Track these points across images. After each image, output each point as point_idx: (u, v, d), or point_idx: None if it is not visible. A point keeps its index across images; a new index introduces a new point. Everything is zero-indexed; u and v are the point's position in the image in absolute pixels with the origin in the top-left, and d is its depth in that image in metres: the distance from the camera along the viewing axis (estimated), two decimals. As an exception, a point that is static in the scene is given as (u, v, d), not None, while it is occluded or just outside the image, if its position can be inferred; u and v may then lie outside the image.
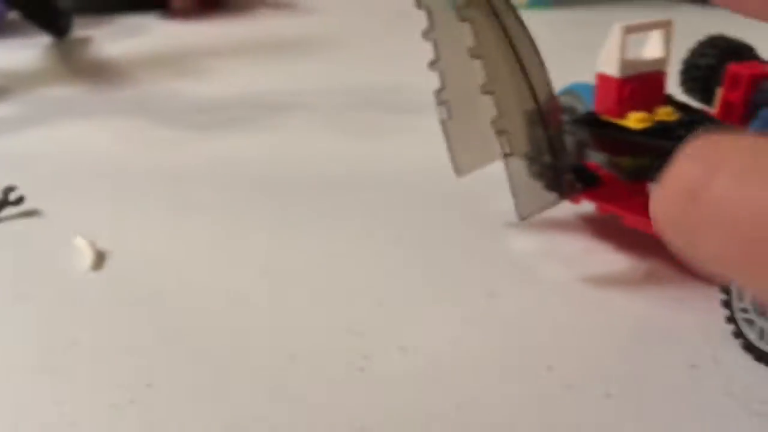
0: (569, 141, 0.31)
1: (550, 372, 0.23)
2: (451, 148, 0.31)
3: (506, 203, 0.29)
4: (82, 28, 0.67)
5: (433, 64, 0.29)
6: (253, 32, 0.68)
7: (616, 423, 0.21)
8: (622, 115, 0.30)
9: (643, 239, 0.28)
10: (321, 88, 0.52)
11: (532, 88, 0.27)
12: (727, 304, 0.24)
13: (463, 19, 0.26)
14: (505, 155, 0.27)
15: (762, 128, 0.29)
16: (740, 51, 0.34)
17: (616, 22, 0.29)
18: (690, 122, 0.29)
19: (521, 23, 0.27)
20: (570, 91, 0.34)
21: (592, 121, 0.30)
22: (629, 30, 0.29)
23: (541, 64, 0.28)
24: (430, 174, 0.37)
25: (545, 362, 0.23)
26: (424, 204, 0.35)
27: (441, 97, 0.30)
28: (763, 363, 0.23)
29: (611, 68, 0.29)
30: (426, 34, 0.28)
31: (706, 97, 0.34)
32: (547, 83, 0.28)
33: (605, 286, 0.28)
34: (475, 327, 0.25)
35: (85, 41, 0.64)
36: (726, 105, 0.32)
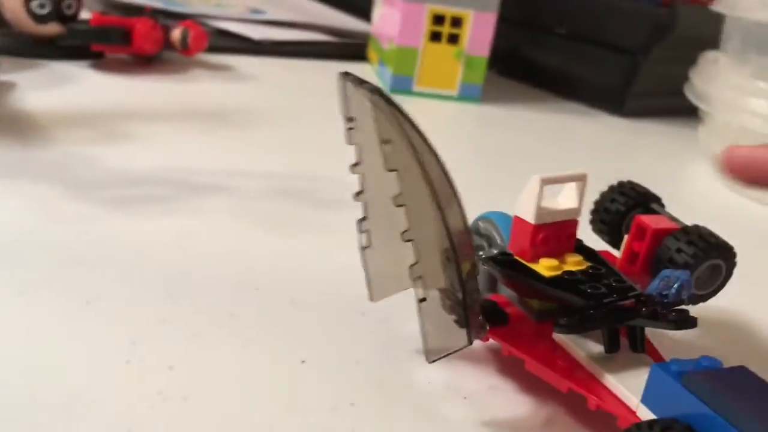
0: (482, 273, 0.32)
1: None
2: (367, 275, 0.31)
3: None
4: (8, 72, 0.65)
5: (358, 195, 0.29)
6: (185, 95, 0.67)
7: None
8: (534, 258, 0.31)
9: (544, 383, 0.29)
10: (243, 169, 0.51)
11: (447, 228, 0.28)
12: None
13: (390, 169, 0.26)
14: (420, 301, 0.27)
15: (659, 289, 0.30)
16: (647, 201, 0.36)
17: (535, 174, 0.30)
18: (596, 276, 0.30)
19: (439, 162, 0.27)
20: (487, 219, 0.35)
21: (505, 262, 0.31)
22: (546, 181, 0.30)
23: (457, 201, 0.28)
24: (345, 285, 0.37)
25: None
26: (333, 320, 0.34)
27: (362, 227, 0.30)
28: None
29: (527, 215, 0.30)
30: (354, 168, 0.28)
31: (614, 240, 0.36)
32: (463, 220, 0.29)
33: (500, 428, 0.28)
34: None
35: (8, 86, 0.62)
36: (630, 253, 0.34)
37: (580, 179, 0.31)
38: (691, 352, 0.36)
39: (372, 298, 0.31)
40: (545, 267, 0.30)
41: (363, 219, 0.30)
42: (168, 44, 0.74)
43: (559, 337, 0.30)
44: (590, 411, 0.27)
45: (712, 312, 0.39)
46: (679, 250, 0.32)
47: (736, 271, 0.33)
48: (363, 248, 0.30)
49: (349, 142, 0.27)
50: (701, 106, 0.67)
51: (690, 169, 0.70)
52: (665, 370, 0.25)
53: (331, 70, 0.88)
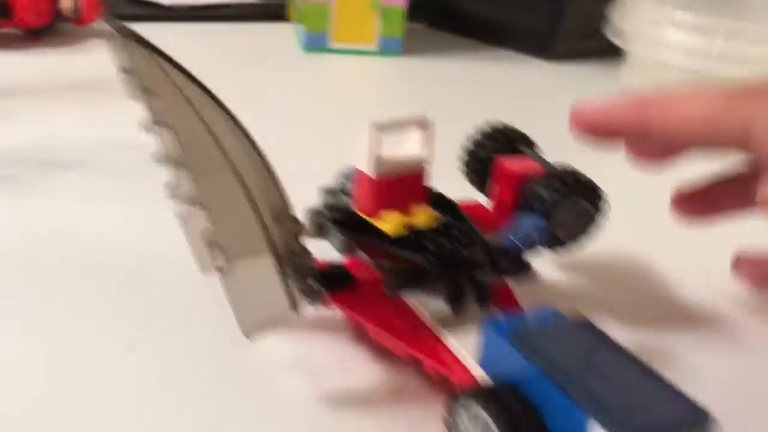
0: (336, 235, 0.29)
1: None
2: (192, 246, 0.28)
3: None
4: None
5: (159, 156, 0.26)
6: (73, 68, 0.63)
7: None
8: (378, 214, 0.28)
9: None
10: (119, 142, 0.48)
11: (249, 193, 0.24)
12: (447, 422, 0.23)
13: (159, 123, 0.23)
14: (218, 269, 0.24)
15: (522, 238, 0.28)
16: (519, 141, 0.33)
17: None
18: (444, 230, 0.27)
19: (231, 117, 0.24)
20: (349, 175, 0.32)
21: (348, 222, 0.28)
22: (381, 128, 0.27)
23: (263, 160, 0.25)
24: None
25: None
26: (171, 294, 0.31)
27: (174, 193, 0.27)
28: None
29: (366, 167, 0.27)
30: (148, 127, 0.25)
31: (486, 189, 0.33)
32: (273, 180, 0.26)
33: (343, 403, 0.26)
34: None
35: None
36: (499, 202, 0.31)
37: (423, 124, 0.28)
38: (568, 302, 0.33)
39: (203, 270, 0.28)
40: (389, 223, 0.27)
41: (174, 185, 0.27)
42: (60, 15, 0.69)
43: (411, 300, 0.28)
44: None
45: (598, 258, 0.37)
46: (539, 196, 0.29)
47: (645, 215, 0.31)
48: (182, 218, 0.27)
49: (131, 96, 0.24)
50: (619, 43, 0.64)
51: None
52: (495, 328, 0.22)
53: (247, 32, 0.84)
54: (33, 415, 0.24)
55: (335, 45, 0.77)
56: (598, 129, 0.29)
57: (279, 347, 0.28)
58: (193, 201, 0.23)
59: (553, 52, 0.82)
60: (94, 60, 0.67)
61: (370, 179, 0.27)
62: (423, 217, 0.28)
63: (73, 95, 0.57)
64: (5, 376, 0.26)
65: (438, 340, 0.26)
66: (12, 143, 0.46)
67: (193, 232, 0.28)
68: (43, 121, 0.51)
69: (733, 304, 0.34)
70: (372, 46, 0.77)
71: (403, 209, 0.28)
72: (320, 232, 0.29)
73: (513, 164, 0.30)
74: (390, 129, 0.27)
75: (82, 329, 0.29)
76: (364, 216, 0.28)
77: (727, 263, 0.34)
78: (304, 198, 0.29)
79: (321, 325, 0.30)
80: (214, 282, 0.30)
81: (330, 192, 0.31)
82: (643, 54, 0.62)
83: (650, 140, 0.30)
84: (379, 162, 0.27)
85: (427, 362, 0.25)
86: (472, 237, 0.27)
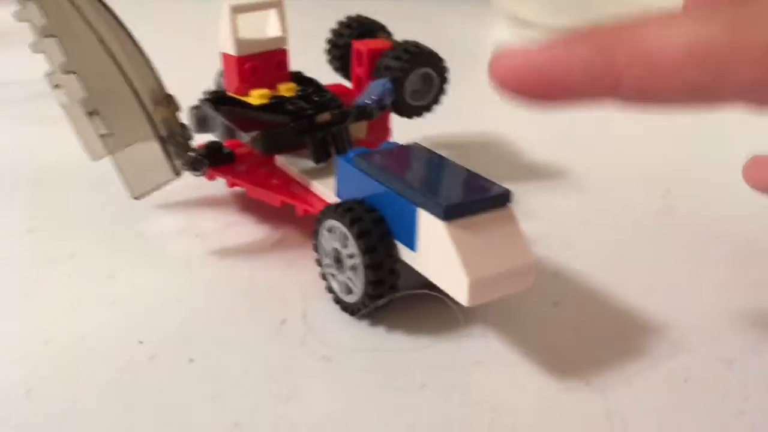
0: (216, 121, 0.32)
1: (139, 345, 0.23)
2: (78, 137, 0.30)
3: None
4: None
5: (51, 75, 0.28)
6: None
7: (198, 386, 0.22)
8: (245, 92, 0.31)
9: (285, 211, 0.29)
10: (6, 80, 0.49)
11: (131, 84, 0.27)
12: (319, 262, 0.26)
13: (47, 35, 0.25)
14: (101, 136, 0.27)
15: (375, 100, 0.31)
16: (373, 29, 0.36)
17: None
18: (304, 97, 0.30)
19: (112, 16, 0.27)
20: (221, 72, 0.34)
21: (216, 99, 0.31)
22: (239, 9, 0.30)
23: (141, 53, 0.28)
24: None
25: (137, 337, 0.24)
26: (67, 192, 0.34)
27: (52, 81, 0.29)
28: (348, 313, 0.25)
29: (229, 48, 0.30)
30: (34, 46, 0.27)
31: (348, 73, 0.36)
32: (150, 71, 0.28)
33: (229, 256, 0.29)
34: (77, 309, 0.25)
35: None
36: (357, 79, 0.34)
37: (276, 5, 0.31)
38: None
39: (92, 158, 0.30)
40: (256, 97, 0.30)
41: (51, 73, 0.28)
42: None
43: (280, 162, 0.31)
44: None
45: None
46: (387, 66, 0.33)
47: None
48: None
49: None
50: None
51: (486, 29, 0.71)
52: (344, 158, 0.26)
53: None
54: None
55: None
56: (531, 82, 0.18)
57: (168, 220, 0.31)
58: (65, 68, 0.25)
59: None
60: None
61: (234, 59, 0.30)
62: (286, 90, 0.31)
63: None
64: None
65: (307, 190, 0.29)
66: None
67: (78, 123, 0.29)
68: None
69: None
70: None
71: (269, 86, 0.31)
72: (203, 125, 0.32)
73: (365, 44, 0.34)
74: (246, 10, 0.30)
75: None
76: (234, 95, 0.31)
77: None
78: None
79: (208, 202, 0.33)
80: (105, 175, 0.32)
81: (208, 92, 0.33)
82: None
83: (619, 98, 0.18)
84: (240, 42, 0.30)
85: (298, 206, 0.28)
86: (330, 101, 0.30)
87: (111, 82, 0.26)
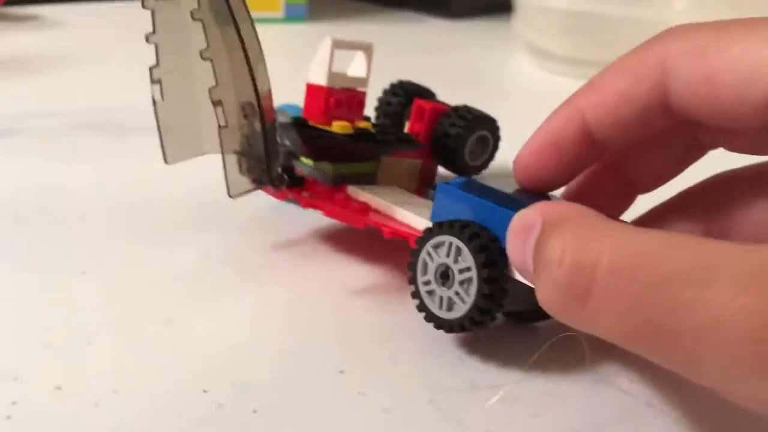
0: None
1: (204, 394, 0.24)
2: (161, 134, 0.31)
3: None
4: None
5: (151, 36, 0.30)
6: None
7: None
8: (327, 121, 0.33)
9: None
10: (43, 110, 0.50)
11: (254, 81, 0.29)
12: (412, 281, 0.27)
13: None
14: (220, 127, 0.28)
15: None
16: (424, 93, 0.39)
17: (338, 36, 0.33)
18: (387, 132, 0.33)
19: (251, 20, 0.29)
20: (281, 110, 0.35)
21: (300, 125, 0.33)
22: (337, 44, 0.33)
23: (263, 62, 0.30)
24: (137, 198, 0.37)
25: (201, 386, 0.24)
26: (118, 230, 0.34)
27: (154, 76, 0.30)
28: (445, 330, 0.26)
29: (320, 78, 0.33)
30: (150, 37, 0.29)
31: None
32: (267, 81, 0.30)
33: (288, 299, 0.30)
34: (140, 355, 0.26)
35: None
36: (413, 133, 0.36)
37: (368, 48, 0.34)
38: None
39: (166, 161, 0.31)
40: (338, 127, 0.32)
41: (155, 66, 0.30)
42: (-40, -1, 0.69)
43: (351, 190, 0.32)
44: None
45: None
46: (452, 125, 0.35)
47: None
48: (155, 102, 0.30)
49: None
50: (507, -7, 0.69)
51: (506, 57, 0.72)
52: (446, 187, 0.27)
53: (144, 10, 0.85)
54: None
55: (242, 15, 0.79)
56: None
57: (224, 263, 0.32)
58: (204, 54, 0.27)
59: (451, 10, 0.87)
60: (2, 40, 0.67)
61: (323, 89, 0.33)
62: (363, 125, 0.33)
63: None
64: None
65: (386, 215, 0.30)
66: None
67: (166, 121, 0.31)
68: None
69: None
70: (278, 13, 0.80)
71: (349, 121, 0.33)
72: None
73: (427, 103, 0.37)
74: (344, 46, 0.33)
75: (43, 258, 0.31)
76: (315, 124, 0.33)
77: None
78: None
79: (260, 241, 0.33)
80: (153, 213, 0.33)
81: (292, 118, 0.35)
82: (528, 1, 0.67)
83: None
84: (332, 75, 0.33)
85: (385, 228, 0.29)
86: (410, 137, 0.34)
87: (236, 79, 0.28)
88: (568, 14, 0.64)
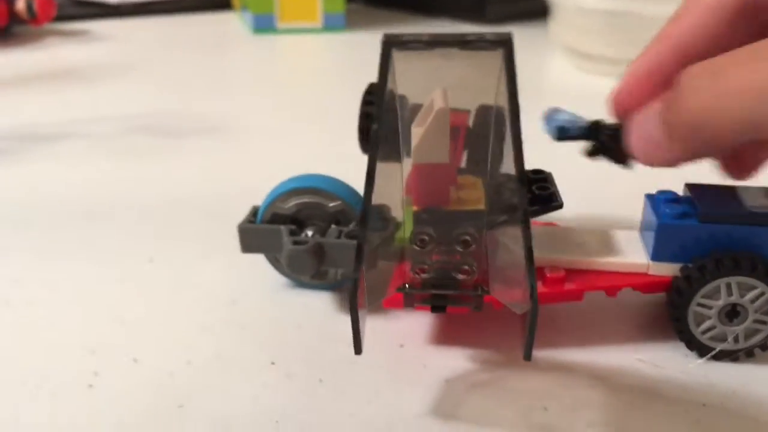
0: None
1: (272, 366, 0.25)
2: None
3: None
4: None
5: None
6: (35, 62, 0.66)
7: (331, 404, 0.23)
8: (457, 201, 0.25)
9: None
10: (99, 116, 0.52)
11: None
12: (685, 335, 0.26)
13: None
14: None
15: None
16: None
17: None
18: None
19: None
20: (311, 188, 0.29)
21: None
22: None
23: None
24: (191, 194, 0.39)
25: (269, 359, 0.25)
26: (179, 224, 0.36)
27: None
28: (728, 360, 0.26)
29: (440, 156, 0.23)
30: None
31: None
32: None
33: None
34: (209, 332, 0.27)
35: None
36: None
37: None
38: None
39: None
40: (472, 200, 0.24)
41: None
42: (15, 17, 0.72)
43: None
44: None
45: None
46: None
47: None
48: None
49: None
50: (544, -4, 0.70)
51: (544, 60, 0.73)
52: (671, 221, 0.25)
53: (194, 23, 0.88)
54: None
55: (282, 25, 0.81)
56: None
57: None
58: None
59: (486, 16, 0.88)
60: (56, 54, 0.70)
61: (444, 167, 0.23)
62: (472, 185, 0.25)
63: (40, 84, 0.60)
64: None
65: (589, 270, 0.26)
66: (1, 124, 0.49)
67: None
68: (18, 108, 0.54)
69: None
70: (317, 23, 0.82)
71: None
72: None
73: None
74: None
75: (113, 248, 0.33)
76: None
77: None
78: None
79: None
80: (215, 205, 0.34)
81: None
82: (565, 4, 0.68)
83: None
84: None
85: (609, 287, 0.26)
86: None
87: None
88: (605, 14, 0.64)
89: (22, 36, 0.75)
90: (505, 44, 0.20)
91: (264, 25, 0.80)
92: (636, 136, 0.23)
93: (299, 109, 0.56)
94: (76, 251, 0.33)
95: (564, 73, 0.68)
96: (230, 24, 0.87)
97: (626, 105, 0.24)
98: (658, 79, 0.23)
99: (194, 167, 0.43)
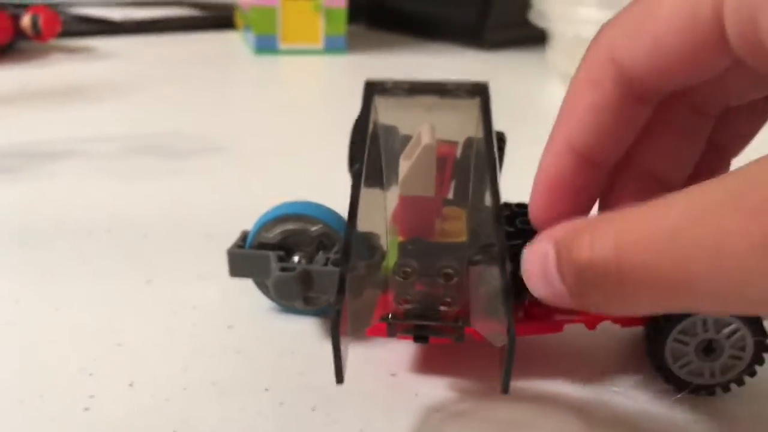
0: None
1: (266, 392, 0.25)
2: None
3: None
4: None
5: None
6: (39, 78, 0.67)
7: (317, 432, 0.24)
8: (441, 233, 0.25)
9: None
10: (101, 134, 0.52)
11: None
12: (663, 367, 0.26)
13: None
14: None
15: None
16: None
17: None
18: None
19: None
20: (299, 215, 0.29)
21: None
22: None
23: None
24: (194, 216, 0.39)
25: (263, 385, 0.26)
26: (178, 246, 0.36)
27: None
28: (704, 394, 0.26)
29: (425, 188, 0.24)
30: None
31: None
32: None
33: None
34: (205, 356, 0.27)
35: None
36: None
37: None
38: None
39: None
40: (455, 233, 0.25)
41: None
42: (20, 33, 0.73)
43: None
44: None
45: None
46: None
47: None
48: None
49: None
50: (542, 25, 0.71)
51: (541, 86, 0.74)
52: None
53: (198, 41, 0.89)
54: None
55: (284, 46, 0.82)
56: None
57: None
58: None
59: (484, 42, 0.89)
60: (60, 71, 0.71)
61: (430, 200, 0.24)
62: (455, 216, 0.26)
63: (43, 101, 0.61)
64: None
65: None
66: (2, 141, 0.50)
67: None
68: (21, 125, 0.54)
69: None
70: (318, 45, 0.83)
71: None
72: None
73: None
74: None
75: (112, 269, 0.33)
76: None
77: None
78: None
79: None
80: (216, 233, 0.34)
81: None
82: (563, 32, 0.69)
83: None
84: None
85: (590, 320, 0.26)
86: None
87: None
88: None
89: (27, 52, 0.76)
90: (482, 93, 0.20)
91: (266, 45, 0.81)
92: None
93: (300, 131, 0.57)
94: (76, 271, 0.33)
95: (560, 99, 0.69)
96: (233, 44, 0.88)
97: (544, 219, 0.23)
98: (566, 191, 0.22)
99: (194, 187, 0.44)
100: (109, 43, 0.84)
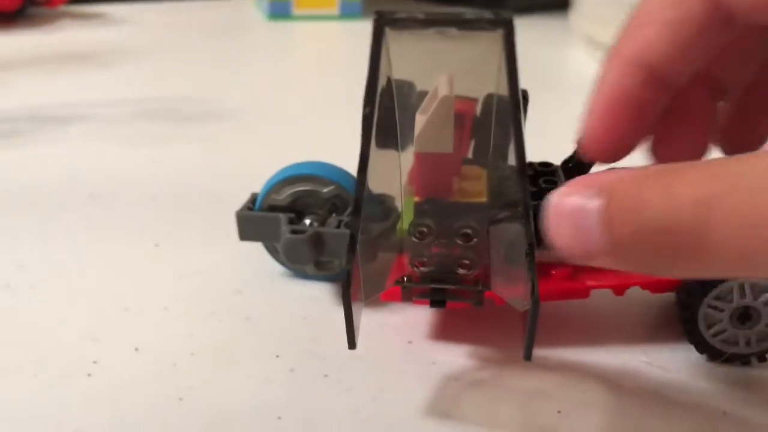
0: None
1: (276, 359, 0.24)
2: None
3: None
4: None
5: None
6: (50, 44, 0.66)
7: (337, 400, 0.23)
8: (459, 192, 0.24)
9: None
10: (110, 99, 0.51)
11: None
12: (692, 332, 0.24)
13: None
14: None
15: None
16: None
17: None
18: None
19: None
20: (309, 175, 0.28)
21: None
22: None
23: None
24: (202, 180, 0.38)
25: (273, 351, 0.25)
26: (187, 210, 0.35)
27: None
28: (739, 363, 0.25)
29: (443, 145, 0.22)
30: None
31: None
32: None
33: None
34: (213, 321, 0.26)
35: None
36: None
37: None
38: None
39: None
40: (475, 192, 0.23)
41: None
42: (30, -1, 0.72)
43: None
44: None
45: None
46: None
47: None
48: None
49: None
50: (565, -14, 0.69)
51: (565, 51, 0.72)
52: None
53: (211, 8, 0.87)
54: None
55: (298, 11, 0.80)
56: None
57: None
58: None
59: (507, 7, 0.86)
60: (71, 37, 0.70)
61: (449, 156, 0.23)
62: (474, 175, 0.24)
63: (53, 66, 0.59)
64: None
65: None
66: (10, 105, 0.49)
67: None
68: (31, 90, 0.54)
69: None
70: (333, 11, 0.81)
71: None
72: None
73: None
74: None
75: (118, 232, 0.32)
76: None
77: None
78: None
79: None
80: (225, 197, 0.33)
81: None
82: (587, -6, 0.67)
83: None
84: None
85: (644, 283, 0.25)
86: None
87: None
88: (627, 5, 0.63)
89: (37, 18, 0.75)
90: (506, 25, 0.18)
91: (279, 11, 0.79)
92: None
93: (312, 96, 0.55)
94: (81, 235, 0.32)
95: (584, 64, 0.67)
96: (246, 9, 0.86)
97: (601, 140, 0.21)
98: (631, 109, 0.20)
99: (204, 152, 0.42)
100: (119, 8, 0.82)
